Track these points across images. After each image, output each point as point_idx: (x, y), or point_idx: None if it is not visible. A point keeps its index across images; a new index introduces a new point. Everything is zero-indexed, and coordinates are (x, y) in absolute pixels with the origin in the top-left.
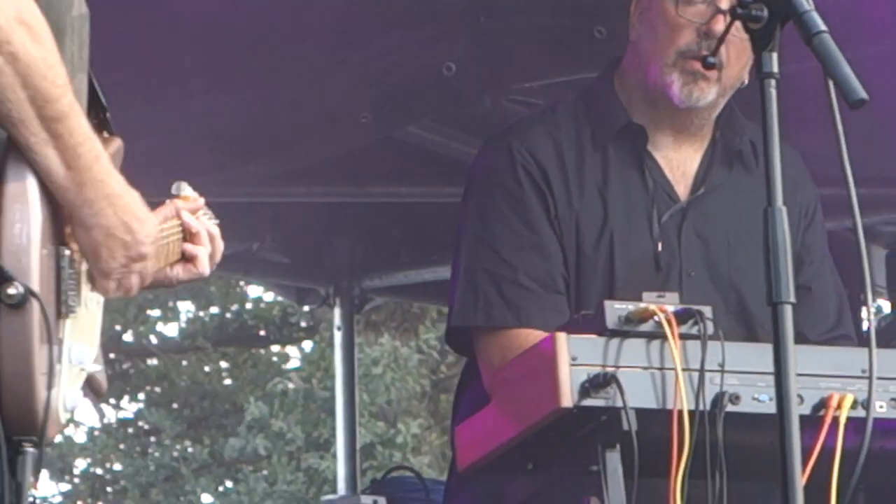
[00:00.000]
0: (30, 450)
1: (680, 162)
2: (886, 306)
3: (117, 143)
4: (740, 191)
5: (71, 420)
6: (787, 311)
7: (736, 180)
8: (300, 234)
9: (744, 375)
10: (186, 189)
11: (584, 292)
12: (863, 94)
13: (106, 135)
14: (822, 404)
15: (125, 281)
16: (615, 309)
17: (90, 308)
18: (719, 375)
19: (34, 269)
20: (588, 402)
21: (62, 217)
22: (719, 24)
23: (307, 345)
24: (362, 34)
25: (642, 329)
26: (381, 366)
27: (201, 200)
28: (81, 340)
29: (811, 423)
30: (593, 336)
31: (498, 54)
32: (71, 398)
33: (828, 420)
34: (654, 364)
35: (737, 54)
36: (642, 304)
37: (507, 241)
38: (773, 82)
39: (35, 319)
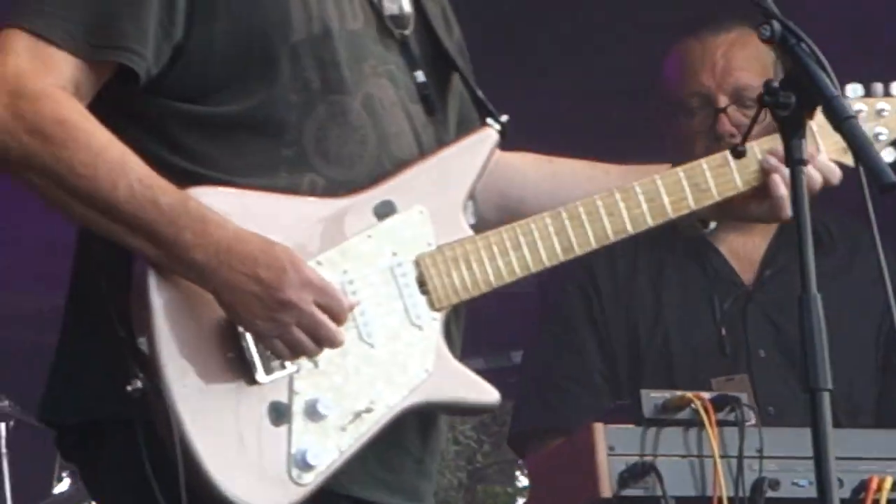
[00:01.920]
0: None
1: (746, 250)
2: None
3: (485, 134)
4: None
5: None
6: (825, 398)
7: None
8: None
9: (783, 461)
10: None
11: (646, 386)
12: (893, 178)
13: (491, 124)
14: (862, 487)
15: (287, 337)
16: (651, 397)
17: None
18: (758, 462)
19: (161, 360)
20: (627, 491)
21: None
22: (725, 126)
23: None
24: None
25: (679, 417)
26: None
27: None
28: (330, 388)
29: None
30: (630, 425)
31: None
32: (304, 455)
33: (869, 503)
34: (693, 452)
35: None
36: (678, 393)
37: (547, 347)
38: (802, 169)
39: (177, 412)
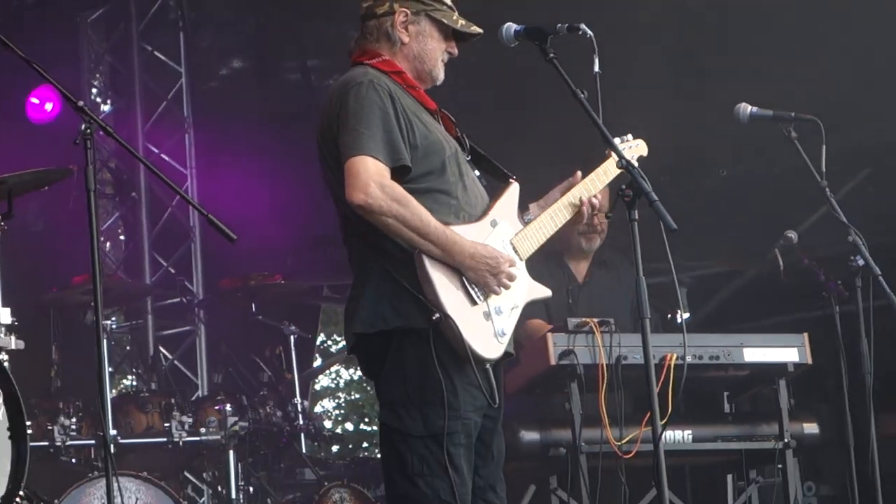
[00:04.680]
0: (488, 366)
1: (578, 268)
2: (687, 314)
3: (513, 185)
4: (605, 277)
5: (507, 344)
6: (647, 322)
7: (602, 272)
8: None
9: (629, 348)
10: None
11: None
12: (674, 226)
13: (512, 180)
14: (664, 359)
15: (501, 282)
16: (572, 321)
17: (508, 289)
18: (618, 348)
19: (442, 301)
20: (562, 362)
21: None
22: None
23: None
24: None
25: (584, 329)
26: None
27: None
28: (501, 300)
29: (659, 368)
30: (563, 333)
31: None
32: (502, 328)
33: (665, 366)
34: (591, 345)
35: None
36: (584, 319)
37: None
38: (636, 225)
39: (454, 322)
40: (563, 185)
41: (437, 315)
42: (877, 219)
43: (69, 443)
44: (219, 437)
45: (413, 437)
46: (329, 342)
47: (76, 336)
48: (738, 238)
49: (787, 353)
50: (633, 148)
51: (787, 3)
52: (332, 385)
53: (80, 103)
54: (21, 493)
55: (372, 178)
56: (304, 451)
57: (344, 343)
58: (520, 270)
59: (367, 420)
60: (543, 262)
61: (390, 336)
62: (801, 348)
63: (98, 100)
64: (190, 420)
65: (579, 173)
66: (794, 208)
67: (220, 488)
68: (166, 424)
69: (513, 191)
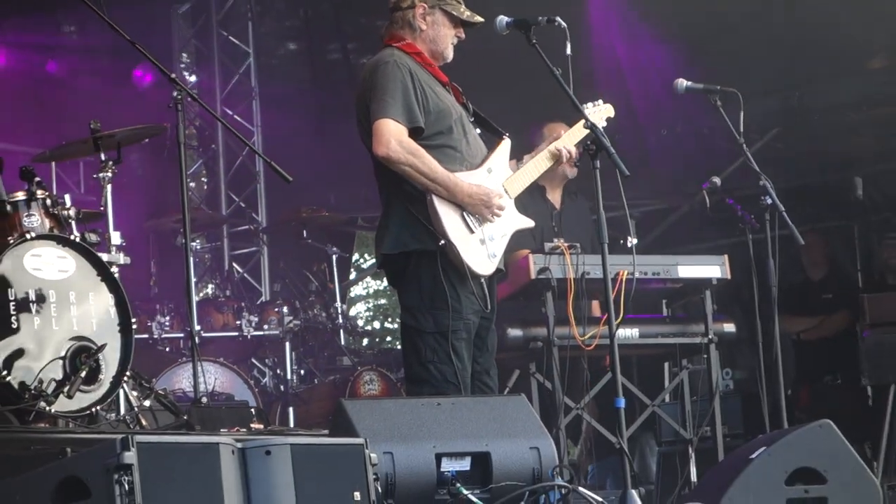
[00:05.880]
0: (482, 280)
1: (554, 197)
2: (635, 240)
3: (506, 141)
4: (574, 207)
5: (498, 263)
6: (605, 246)
7: (571, 203)
8: None
9: (591, 265)
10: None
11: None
12: (627, 173)
13: (505, 136)
14: (617, 274)
15: (494, 213)
16: (547, 245)
17: (499, 218)
18: (583, 266)
19: (447, 231)
20: (540, 276)
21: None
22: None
23: None
24: None
25: (557, 251)
26: None
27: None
28: (493, 229)
29: (613, 281)
30: (540, 254)
31: None
32: (494, 252)
33: (619, 280)
34: (562, 263)
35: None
36: (556, 242)
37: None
38: (598, 172)
39: (455, 246)
40: (548, 139)
41: (443, 241)
42: (783, 167)
43: (164, 335)
44: (278, 332)
45: (426, 333)
46: (362, 260)
47: (169, 254)
48: (676, 182)
49: (711, 270)
50: (602, 110)
51: None
52: (364, 293)
53: (173, 76)
54: (127, 373)
55: (393, 135)
56: (342, 343)
57: (374, 261)
58: (508, 205)
59: (390, 320)
60: (529, 196)
61: (409, 256)
62: (722, 266)
63: (186, 73)
64: (256, 319)
65: (562, 130)
66: (718, 159)
67: (278, 371)
68: (237, 322)
69: (505, 145)
